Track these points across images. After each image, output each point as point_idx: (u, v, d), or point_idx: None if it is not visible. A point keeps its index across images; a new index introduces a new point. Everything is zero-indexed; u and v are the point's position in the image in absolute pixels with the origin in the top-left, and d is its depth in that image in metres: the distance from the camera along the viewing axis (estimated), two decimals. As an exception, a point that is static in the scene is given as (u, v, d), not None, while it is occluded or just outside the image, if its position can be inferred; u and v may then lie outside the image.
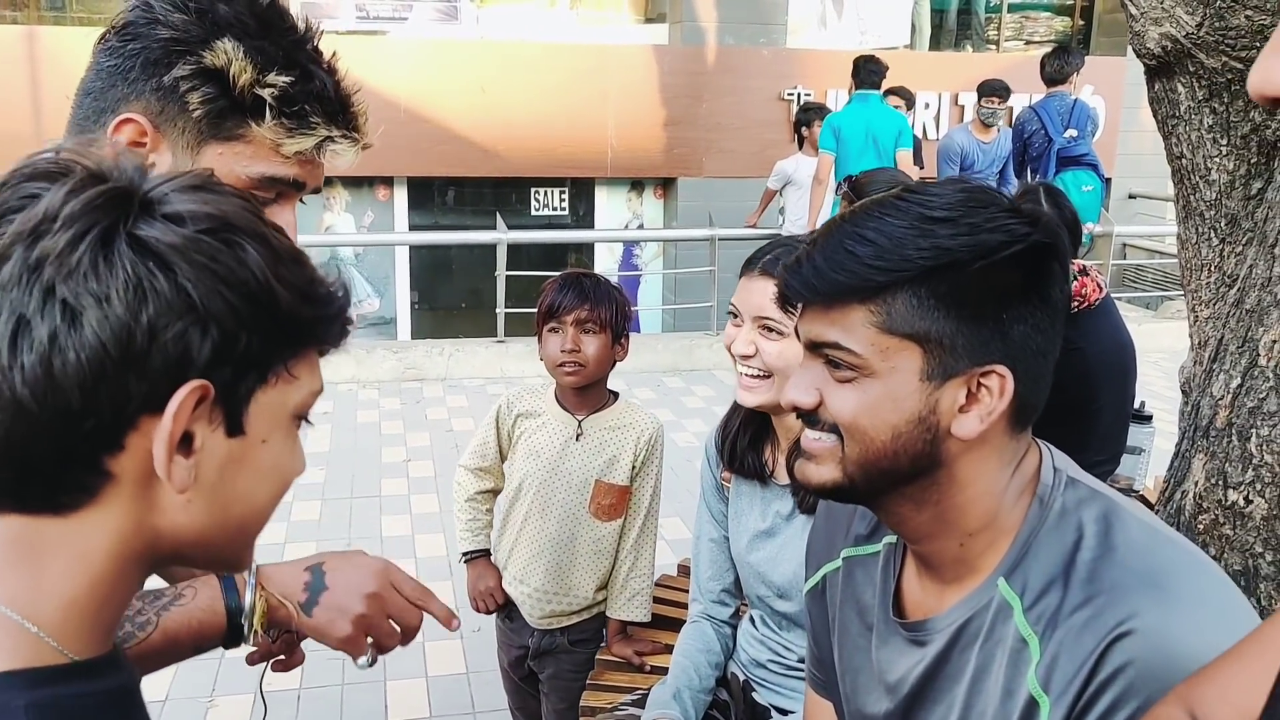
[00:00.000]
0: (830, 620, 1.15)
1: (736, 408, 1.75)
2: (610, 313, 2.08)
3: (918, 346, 0.89)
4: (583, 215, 9.91)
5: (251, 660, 1.18)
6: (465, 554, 2.28)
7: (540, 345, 2.11)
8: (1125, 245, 9.43)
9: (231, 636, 1.03)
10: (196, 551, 0.69)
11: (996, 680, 0.90)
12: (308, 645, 3.55)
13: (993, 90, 6.58)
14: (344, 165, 1.06)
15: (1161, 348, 6.79)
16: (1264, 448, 1.64)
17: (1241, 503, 1.68)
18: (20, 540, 0.64)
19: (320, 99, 1.02)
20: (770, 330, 1.56)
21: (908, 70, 8.91)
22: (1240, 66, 1.72)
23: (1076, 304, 2.45)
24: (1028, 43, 10.85)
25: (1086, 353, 2.50)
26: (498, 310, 6.84)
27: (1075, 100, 6.31)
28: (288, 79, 0.99)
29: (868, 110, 6.37)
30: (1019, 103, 7.51)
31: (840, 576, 1.13)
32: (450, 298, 10.34)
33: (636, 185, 9.85)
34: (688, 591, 1.98)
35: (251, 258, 0.64)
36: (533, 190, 9.74)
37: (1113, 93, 9.82)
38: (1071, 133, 6.21)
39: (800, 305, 0.95)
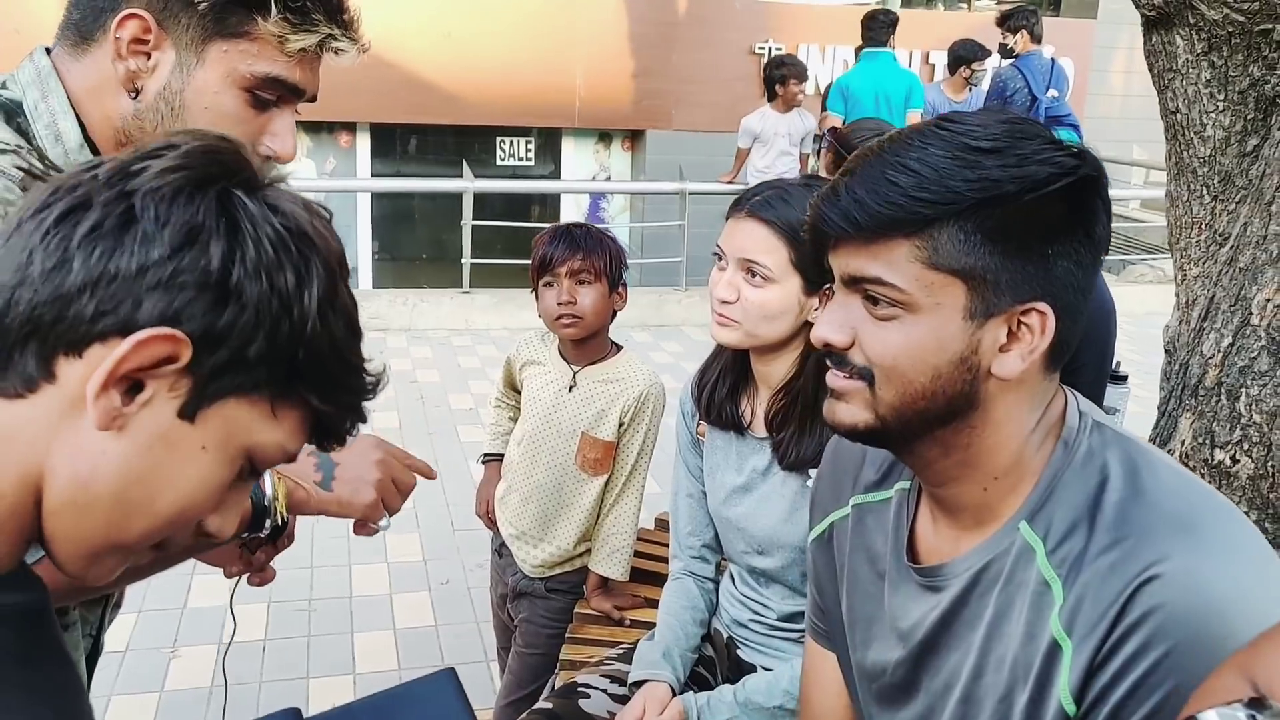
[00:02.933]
0: (838, 569, 1.13)
1: (716, 356, 1.70)
2: (604, 261, 2.04)
3: (962, 283, 0.85)
4: (549, 166, 9.77)
5: (229, 573, 1.20)
6: (483, 455, 2.39)
7: (538, 301, 2.08)
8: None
9: (256, 522, 1.09)
10: (72, 520, 0.64)
11: (1018, 624, 0.89)
12: (264, 595, 3.44)
13: (975, 54, 6.42)
14: (346, 64, 1.09)
15: (1123, 311, 6.81)
16: (1253, 407, 1.63)
17: (1228, 462, 1.68)
18: None
19: None
20: (754, 275, 1.50)
21: (880, 26, 8.82)
22: (1242, 19, 1.68)
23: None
24: (999, 1, 10.79)
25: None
26: (463, 261, 6.74)
27: (1053, 60, 6.26)
28: None
29: (877, 69, 6.16)
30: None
31: (850, 524, 1.11)
32: (412, 248, 10.18)
33: (604, 137, 9.73)
34: (666, 546, 1.94)
35: (313, 279, 0.65)
36: (498, 139, 9.58)
37: (1081, 55, 9.80)
38: (1053, 93, 6.17)
39: (833, 239, 0.89)
